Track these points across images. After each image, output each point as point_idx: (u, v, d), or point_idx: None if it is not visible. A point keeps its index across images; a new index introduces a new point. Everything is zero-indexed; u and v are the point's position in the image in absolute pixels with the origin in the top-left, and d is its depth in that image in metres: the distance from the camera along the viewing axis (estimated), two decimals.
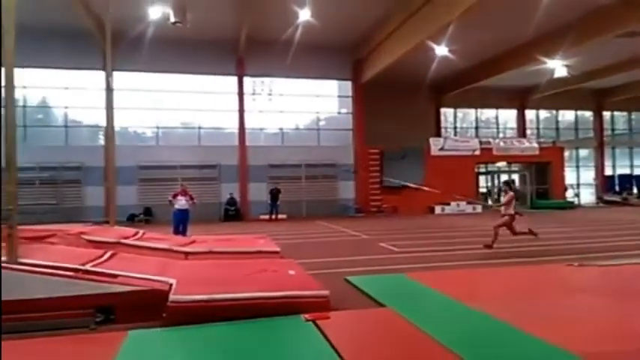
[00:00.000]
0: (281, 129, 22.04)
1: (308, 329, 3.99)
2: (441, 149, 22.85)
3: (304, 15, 16.19)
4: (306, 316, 4.22)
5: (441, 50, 18.28)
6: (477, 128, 27.19)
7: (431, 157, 22.33)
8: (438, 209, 21.38)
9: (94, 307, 4.19)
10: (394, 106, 23.01)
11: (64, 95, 19.40)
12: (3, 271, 4.26)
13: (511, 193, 9.29)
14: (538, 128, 28.29)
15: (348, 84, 22.13)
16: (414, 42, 16.17)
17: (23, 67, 16.09)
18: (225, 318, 4.14)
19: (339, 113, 23.15)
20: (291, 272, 5.47)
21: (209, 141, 20.74)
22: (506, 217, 9.09)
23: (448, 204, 21.33)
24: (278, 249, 7.50)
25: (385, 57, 18.55)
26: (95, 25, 15.75)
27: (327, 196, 21.39)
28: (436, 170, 21.40)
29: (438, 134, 24.98)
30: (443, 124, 26.17)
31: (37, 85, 19.19)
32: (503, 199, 9.44)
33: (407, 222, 17.20)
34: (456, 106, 26.48)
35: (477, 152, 23.41)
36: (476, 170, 23.93)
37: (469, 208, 21.67)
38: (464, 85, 23.36)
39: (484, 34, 17.39)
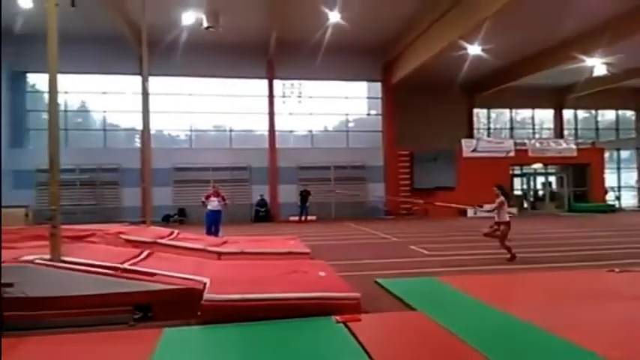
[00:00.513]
0: (310, 131, 22.14)
1: (339, 331, 3.99)
2: (474, 151, 22.35)
3: (334, 17, 16.24)
4: (338, 317, 4.22)
5: (474, 49, 17.91)
6: (511, 129, 26.51)
7: (463, 159, 21.89)
8: (470, 212, 20.91)
9: (133, 304, 4.32)
10: (425, 107, 22.72)
11: (102, 100, 20.16)
12: (47, 268, 4.46)
13: (501, 198, 8.55)
14: (576, 129, 27.31)
15: (378, 85, 22.03)
16: (446, 42, 15.92)
17: (64, 73, 16.74)
18: (257, 317, 4.19)
19: (368, 115, 23.06)
20: (322, 274, 5.47)
21: (240, 143, 21.10)
22: (503, 227, 8.36)
23: (481, 206, 20.80)
24: (308, 250, 7.51)
25: (416, 57, 18.33)
26: (131, 32, 16.27)
27: (357, 197, 21.33)
28: (468, 172, 20.97)
29: (471, 135, 24.48)
30: (476, 125, 25.65)
31: (77, 90, 19.98)
32: (494, 204, 8.57)
33: (438, 225, 16.94)
34: (489, 107, 25.92)
35: (512, 154, 22.76)
36: (510, 172, 23.29)
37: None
38: (498, 84, 22.82)
39: (519, 32, 16.95)
